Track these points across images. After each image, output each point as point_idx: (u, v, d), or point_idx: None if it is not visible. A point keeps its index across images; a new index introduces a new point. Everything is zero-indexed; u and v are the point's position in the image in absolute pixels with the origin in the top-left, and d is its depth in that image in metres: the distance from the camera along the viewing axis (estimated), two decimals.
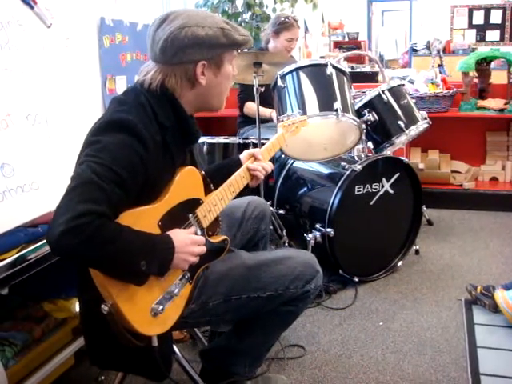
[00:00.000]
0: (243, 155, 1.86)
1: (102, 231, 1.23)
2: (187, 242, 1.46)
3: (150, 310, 1.41)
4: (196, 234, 1.55)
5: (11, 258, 1.85)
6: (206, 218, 1.61)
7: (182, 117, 1.55)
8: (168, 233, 1.43)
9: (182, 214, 1.53)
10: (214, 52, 1.52)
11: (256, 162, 1.81)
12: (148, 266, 1.33)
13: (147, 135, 1.40)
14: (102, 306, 1.32)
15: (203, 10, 1.64)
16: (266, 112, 3.51)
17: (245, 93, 3.64)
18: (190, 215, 1.55)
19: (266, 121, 3.48)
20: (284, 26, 3.64)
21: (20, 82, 1.95)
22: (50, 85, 2.08)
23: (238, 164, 1.82)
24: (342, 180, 2.75)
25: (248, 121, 3.69)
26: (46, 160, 2.03)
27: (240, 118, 3.90)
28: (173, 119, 1.52)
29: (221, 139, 2.92)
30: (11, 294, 1.82)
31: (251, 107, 3.53)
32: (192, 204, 1.58)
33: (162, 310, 1.43)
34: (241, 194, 1.82)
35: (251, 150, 1.86)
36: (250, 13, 5.08)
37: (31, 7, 2.00)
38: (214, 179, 1.72)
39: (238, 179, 1.74)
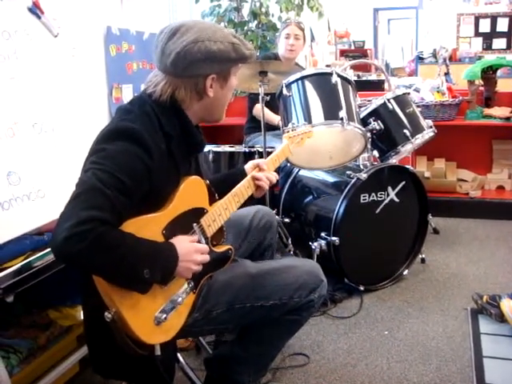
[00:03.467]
0: (248, 165, 1.87)
1: (105, 238, 1.24)
2: (191, 250, 1.46)
3: (154, 318, 1.41)
4: (200, 243, 1.55)
5: (17, 265, 1.86)
6: (210, 228, 1.61)
7: (188, 126, 1.56)
8: (171, 241, 1.44)
9: (186, 223, 1.53)
10: (224, 66, 1.55)
11: (261, 172, 1.82)
12: (151, 274, 1.33)
13: (152, 144, 1.41)
14: (106, 313, 1.32)
15: (212, 23, 1.64)
16: (274, 120, 3.52)
17: (256, 95, 3.66)
18: (195, 224, 1.56)
19: (273, 128, 3.48)
20: (282, 26, 3.84)
21: (27, 91, 1.96)
22: (56, 93, 2.10)
23: (243, 174, 1.83)
24: (348, 188, 2.75)
25: (255, 127, 3.70)
26: (52, 168, 2.04)
27: (247, 123, 3.91)
28: (178, 129, 1.53)
29: (226, 148, 2.93)
30: (16, 302, 1.83)
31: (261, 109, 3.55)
32: (196, 213, 1.58)
33: (166, 318, 1.43)
34: (246, 204, 1.82)
35: (256, 161, 1.87)
36: (255, 22, 5.10)
37: (38, 17, 2.01)
38: (219, 189, 1.72)
39: (243, 189, 1.75)
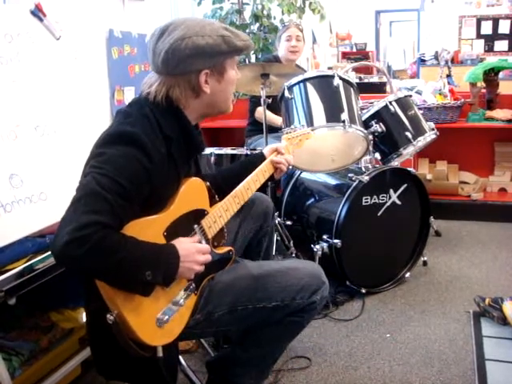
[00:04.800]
0: (267, 149, 1.95)
1: (106, 242, 1.24)
2: (192, 250, 1.47)
3: (156, 320, 1.42)
4: (201, 243, 1.55)
5: (19, 267, 1.86)
6: (211, 229, 1.61)
7: (187, 128, 1.56)
8: (172, 242, 1.44)
9: (187, 225, 1.53)
10: (215, 60, 1.53)
11: (279, 156, 1.91)
12: (153, 276, 1.33)
13: (151, 147, 1.41)
14: (108, 315, 1.33)
15: (202, 18, 1.64)
16: (277, 120, 3.51)
17: (257, 97, 3.66)
18: (196, 226, 1.56)
19: (274, 130, 3.48)
20: (282, 29, 3.80)
21: (29, 94, 1.97)
22: (58, 96, 2.10)
23: (263, 159, 1.90)
24: (350, 191, 2.75)
25: (257, 129, 3.70)
26: (55, 171, 2.05)
27: (249, 126, 3.90)
28: (177, 130, 1.53)
29: (228, 150, 2.93)
30: (19, 304, 1.83)
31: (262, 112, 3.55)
32: (197, 215, 1.58)
33: (167, 320, 1.43)
34: (263, 187, 1.89)
35: (275, 145, 1.95)
36: (257, 24, 5.11)
37: (40, 20, 2.02)
38: (241, 174, 1.78)
39: (244, 191, 1.75)
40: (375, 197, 2.82)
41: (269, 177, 1.89)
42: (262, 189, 1.92)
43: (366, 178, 2.73)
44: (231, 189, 1.72)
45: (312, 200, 3.08)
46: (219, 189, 1.73)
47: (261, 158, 1.92)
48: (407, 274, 3.03)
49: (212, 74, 1.55)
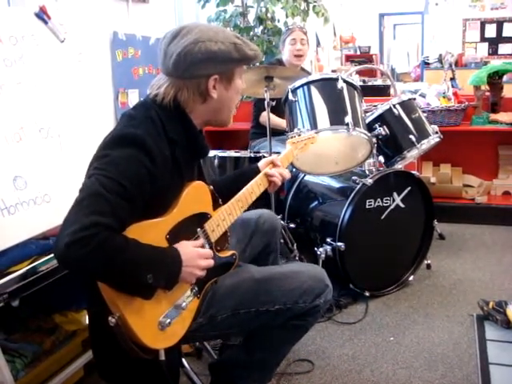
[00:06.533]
0: (262, 162, 1.90)
1: (108, 243, 1.24)
2: (194, 255, 1.47)
3: (158, 323, 1.41)
4: (204, 247, 1.55)
5: (23, 269, 1.87)
6: (214, 233, 1.61)
7: (192, 132, 1.56)
8: (175, 246, 1.44)
9: (190, 228, 1.53)
10: (226, 67, 1.54)
11: (274, 169, 1.85)
12: (155, 279, 1.33)
13: (155, 149, 1.42)
14: (109, 318, 1.33)
15: (214, 25, 1.65)
16: (282, 124, 3.50)
17: (261, 102, 3.65)
18: (199, 229, 1.56)
19: (278, 133, 3.48)
20: (286, 32, 3.79)
21: (33, 96, 1.97)
22: (62, 98, 2.11)
23: (257, 171, 1.86)
24: (353, 194, 2.74)
25: (260, 133, 3.69)
26: (58, 173, 2.06)
27: (252, 129, 3.90)
28: (182, 134, 1.53)
29: (232, 153, 2.93)
30: (22, 306, 1.83)
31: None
32: (200, 218, 1.58)
33: (169, 323, 1.43)
34: (254, 204, 1.83)
35: (270, 158, 1.90)
36: (261, 27, 5.11)
37: (45, 22, 2.03)
38: (233, 187, 1.75)
39: (255, 187, 1.76)
40: (379, 200, 2.82)
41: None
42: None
43: (369, 181, 2.73)
44: (225, 201, 1.71)
45: (315, 203, 3.08)
46: None
47: (255, 171, 1.87)
48: (411, 277, 3.02)
49: (220, 81, 1.56)
